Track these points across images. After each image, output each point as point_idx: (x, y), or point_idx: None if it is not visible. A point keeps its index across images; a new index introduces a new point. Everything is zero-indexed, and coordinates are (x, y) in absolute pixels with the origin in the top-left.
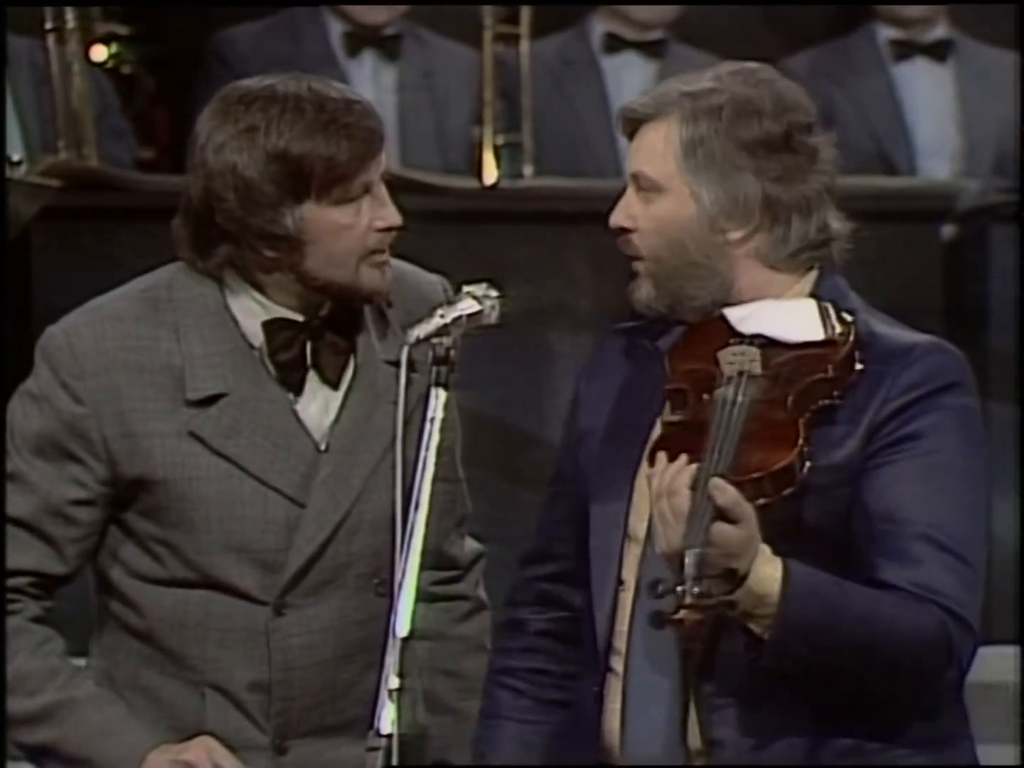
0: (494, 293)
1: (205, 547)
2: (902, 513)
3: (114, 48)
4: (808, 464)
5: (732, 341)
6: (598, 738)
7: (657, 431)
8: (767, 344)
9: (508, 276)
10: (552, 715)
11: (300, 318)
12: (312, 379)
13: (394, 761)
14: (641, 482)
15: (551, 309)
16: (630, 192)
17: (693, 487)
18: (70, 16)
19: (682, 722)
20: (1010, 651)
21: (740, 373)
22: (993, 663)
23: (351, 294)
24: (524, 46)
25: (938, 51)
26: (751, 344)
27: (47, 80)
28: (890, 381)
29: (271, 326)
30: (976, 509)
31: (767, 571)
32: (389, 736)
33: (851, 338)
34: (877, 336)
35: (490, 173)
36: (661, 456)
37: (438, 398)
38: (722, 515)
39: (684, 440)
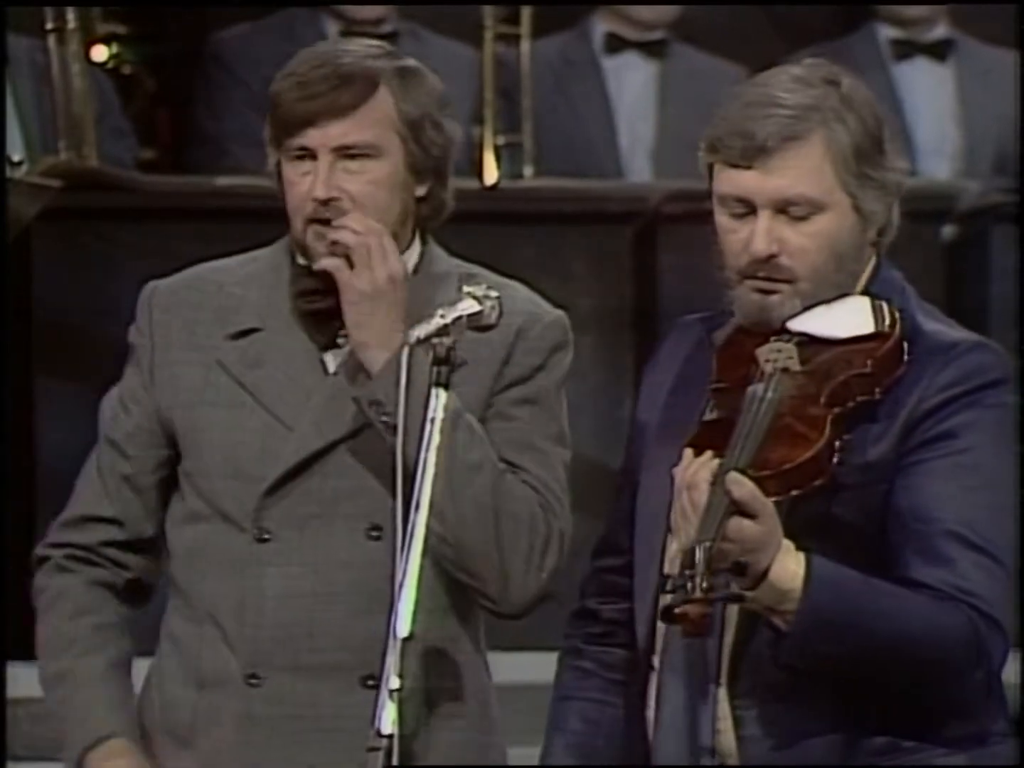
0: (494, 293)
1: (208, 471)
2: (934, 512)
3: (115, 48)
4: (838, 457)
5: (773, 339)
6: (645, 737)
7: (695, 431)
8: (810, 341)
9: (508, 276)
10: (619, 696)
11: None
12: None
13: (394, 761)
14: None
15: None
16: (768, 217)
17: (713, 482)
18: (71, 16)
19: (714, 720)
20: (1010, 653)
21: (774, 371)
22: None
23: (306, 255)
24: (525, 46)
25: (938, 51)
26: (789, 341)
27: (48, 80)
28: (928, 380)
29: (297, 270)
30: (1008, 509)
31: (790, 566)
32: (390, 736)
33: (897, 333)
34: (921, 333)
35: (490, 173)
36: (688, 453)
37: (438, 398)
38: (739, 509)
39: (715, 437)
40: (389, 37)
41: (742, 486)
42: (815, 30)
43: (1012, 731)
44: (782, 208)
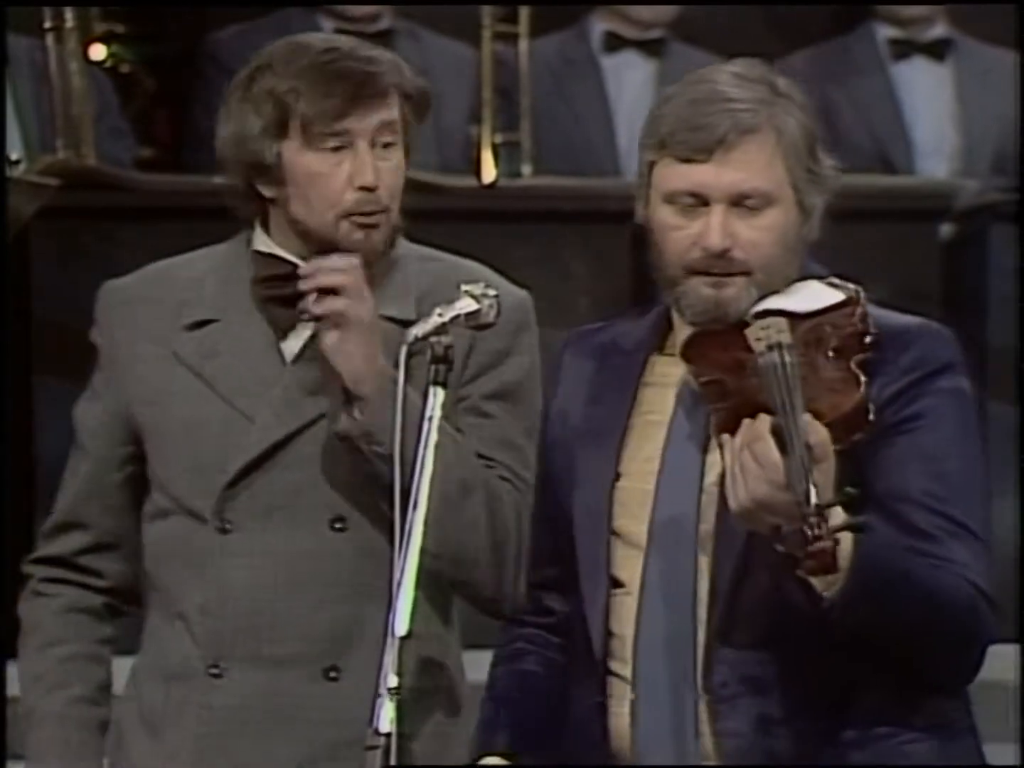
0: (492, 292)
1: (169, 465)
2: (910, 491)
3: (113, 47)
4: (871, 414)
5: (752, 320)
6: (605, 744)
7: (716, 419)
8: (787, 317)
9: (506, 275)
10: (555, 661)
11: (300, 262)
12: (307, 327)
13: (392, 760)
14: (625, 483)
15: (549, 308)
16: (722, 211)
17: (775, 433)
18: (69, 15)
19: (692, 717)
20: (1010, 649)
21: (772, 346)
22: (993, 661)
23: (333, 246)
24: (523, 45)
25: (937, 50)
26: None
27: (46, 79)
28: (888, 365)
29: (259, 257)
30: (981, 486)
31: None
32: (388, 735)
33: (864, 297)
34: (873, 318)
35: (488, 172)
36: (726, 438)
37: (436, 396)
38: (813, 456)
39: (741, 416)
40: (385, 34)
41: (818, 431)
42: (814, 29)
43: (974, 722)
44: (737, 201)
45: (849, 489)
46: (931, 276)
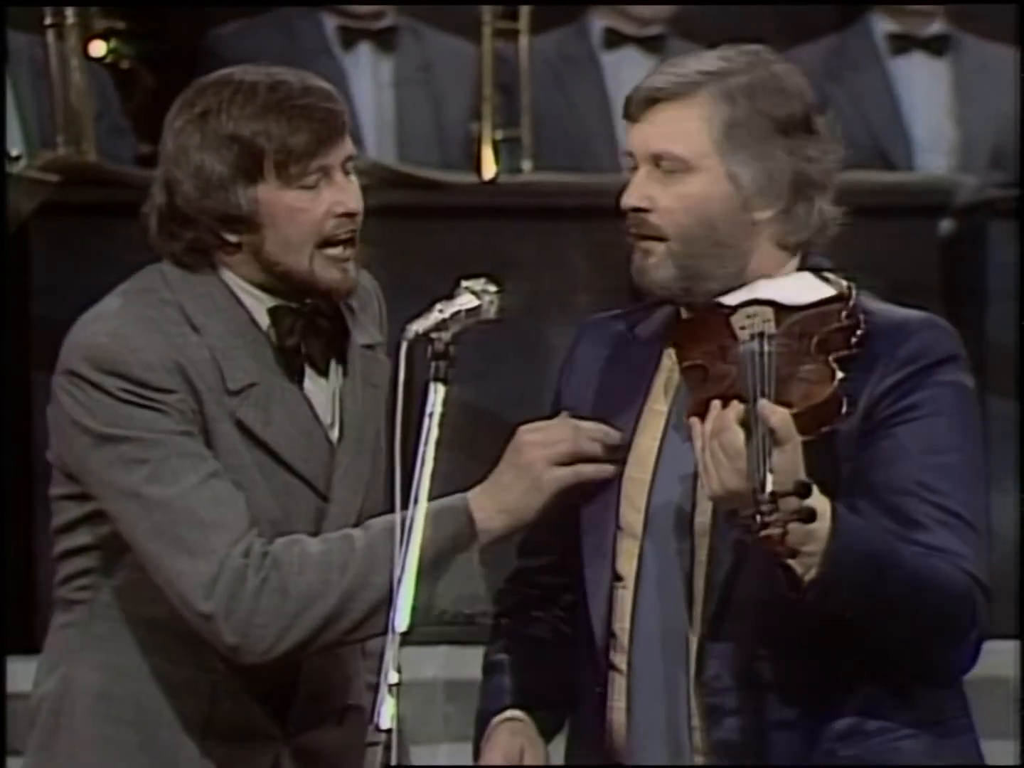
0: (492, 288)
1: None
2: (906, 482)
3: (113, 44)
4: (845, 406)
5: (741, 308)
6: (604, 737)
7: (692, 402)
8: (776, 308)
9: (507, 271)
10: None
11: (293, 305)
12: (308, 369)
13: (393, 756)
14: (631, 473)
15: (550, 304)
16: (644, 172)
17: (743, 423)
18: (69, 12)
19: (686, 711)
20: (1010, 645)
21: (757, 334)
22: (993, 657)
23: (310, 286)
24: (523, 41)
25: (936, 46)
26: (760, 306)
27: (46, 76)
28: (887, 357)
29: (276, 312)
30: (977, 480)
31: (818, 506)
32: (388, 731)
33: (855, 293)
34: (869, 312)
35: (489, 168)
36: (695, 422)
37: (437, 393)
38: (774, 438)
39: (721, 402)
40: (388, 32)
41: (776, 411)
42: (813, 25)
43: (969, 714)
44: (655, 162)
45: (804, 479)
46: (930, 272)
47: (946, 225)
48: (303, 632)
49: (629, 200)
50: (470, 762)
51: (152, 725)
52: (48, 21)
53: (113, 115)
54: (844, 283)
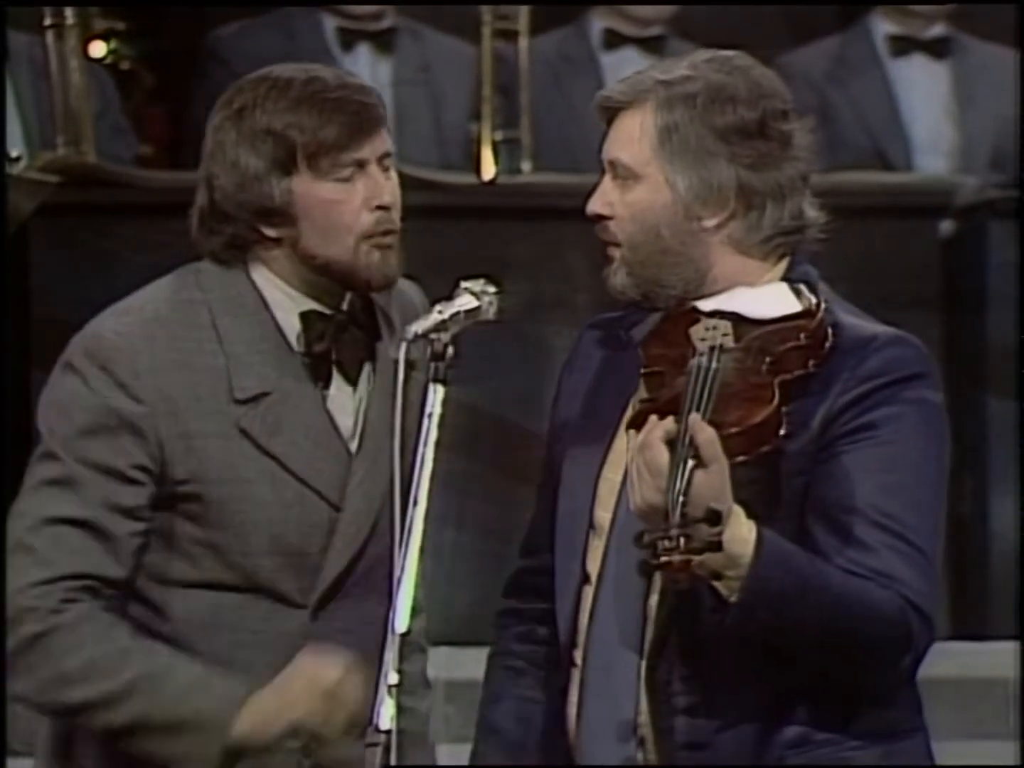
0: (492, 289)
1: (251, 549)
2: (858, 502)
3: (112, 44)
4: (784, 428)
5: (703, 319)
6: (563, 734)
7: (632, 411)
8: (739, 321)
9: (506, 272)
10: (545, 691)
11: (327, 311)
12: (336, 376)
13: (393, 757)
14: (607, 473)
15: (549, 304)
16: (607, 179)
17: (669, 441)
18: (69, 12)
19: (635, 711)
20: (1009, 647)
21: (712, 347)
22: (992, 658)
23: (353, 277)
24: (523, 42)
25: (937, 48)
26: (721, 319)
27: (46, 76)
28: (848, 372)
29: (307, 317)
30: (933, 502)
31: (741, 532)
32: (388, 732)
33: (822, 311)
34: (840, 326)
35: (488, 169)
36: (632, 434)
37: (436, 394)
38: (698, 457)
39: (658, 414)
40: (388, 33)
41: (704, 430)
42: (813, 26)
43: (924, 724)
44: (612, 170)
45: (714, 506)
46: (930, 273)
47: (946, 226)
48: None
49: (591, 206)
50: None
51: None
52: (48, 21)
53: (113, 116)
54: (813, 299)
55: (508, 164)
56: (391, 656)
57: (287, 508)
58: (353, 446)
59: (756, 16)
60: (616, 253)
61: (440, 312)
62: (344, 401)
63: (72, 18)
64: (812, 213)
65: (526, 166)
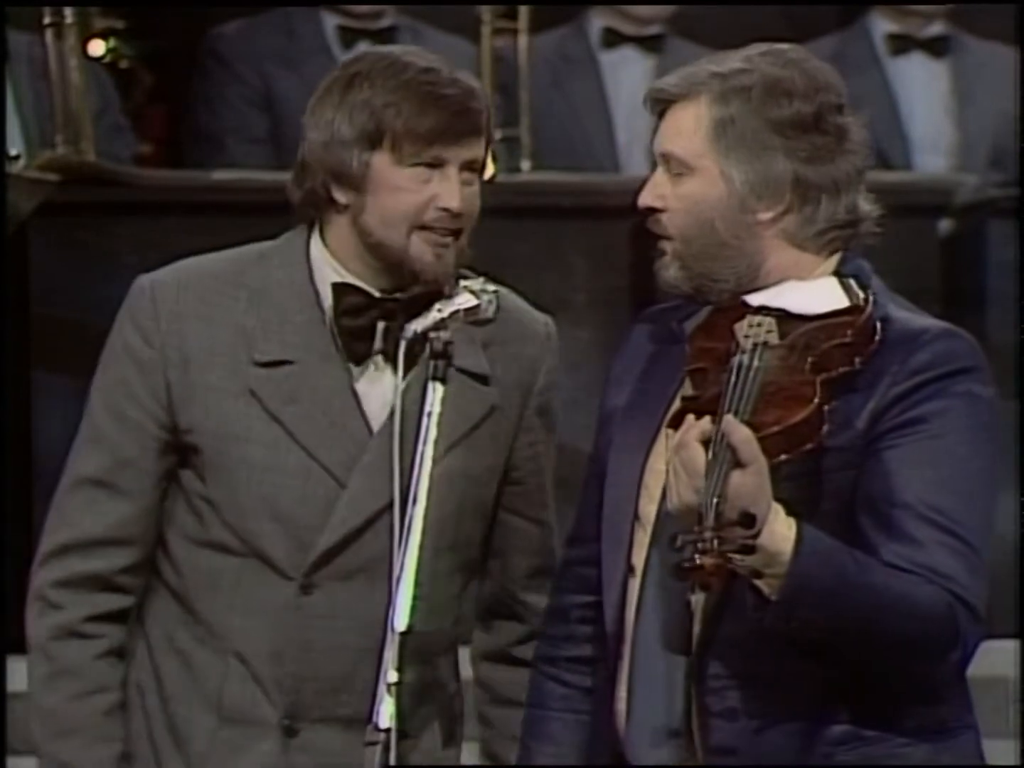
0: (492, 287)
1: (242, 510)
2: (906, 496)
3: (112, 43)
4: (827, 426)
5: (749, 315)
6: (611, 726)
7: (673, 409)
8: (785, 317)
9: (506, 270)
10: (591, 704)
11: (375, 292)
12: (378, 362)
13: (392, 756)
14: (653, 464)
15: (548, 303)
16: (659, 172)
17: (706, 441)
18: (68, 11)
19: (683, 706)
20: (1010, 645)
21: (756, 345)
22: (993, 657)
23: (402, 265)
24: (522, 41)
25: (936, 47)
26: (767, 316)
27: (45, 75)
28: (897, 366)
29: (340, 288)
30: (982, 496)
31: (781, 530)
32: (387, 731)
33: (871, 307)
34: (890, 320)
35: (488, 167)
36: (690, 417)
37: (435, 392)
38: (735, 458)
39: (698, 413)
40: (388, 32)
41: (738, 431)
42: (812, 25)
43: (974, 722)
44: (665, 163)
45: (750, 509)
46: (929, 272)
47: (945, 225)
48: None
49: (642, 199)
50: (470, 762)
51: (171, 700)
52: (47, 20)
53: (112, 114)
54: (861, 295)
55: (508, 163)
56: (391, 655)
57: (287, 476)
58: (376, 429)
59: (756, 15)
60: (668, 247)
61: (439, 310)
62: (383, 387)
63: (71, 17)
64: (866, 207)
65: (525, 165)
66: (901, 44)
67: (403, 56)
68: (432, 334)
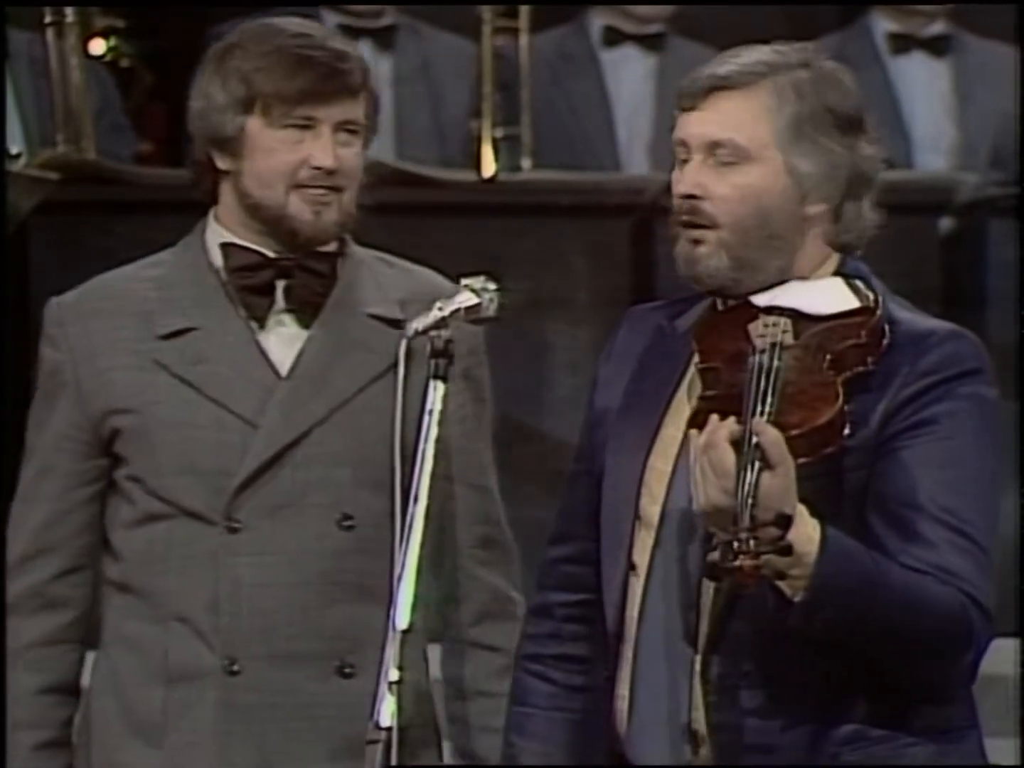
0: (492, 286)
1: (161, 470)
2: (918, 498)
3: (112, 42)
4: (848, 427)
5: (762, 315)
6: (610, 725)
7: (693, 408)
8: (797, 317)
9: (506, 269)
10: (580, 702)
11: (269, 253)
12: (282, 317)
13: (393, 754)
14: (654, 463)
15: (549, 302)
16: (699, 160)
17: (734, 441)
18: (69, 10)
19: (688, 706)
20: (1010, 643)
21: (773, 344)
22: (993, 655)
23: (280, 224)
24: (523, 40)
25: (937, 46)
26: (781, 315)
27: (46, 74)
28: (907, 367)
29: (227, 248)
30: (990, 497)
31: (806, 531)
32: (388, 729)
33: (881, 307)
34: (896, 322)
35: (488, 166)
36: (693, 433)
37: (436, 390)
38: (764, 459)
39: (721, 412)
40: (388, 30)
41: (768, 432)
42: (813, 24)
43: (978, 722)
44: (712, 151)
45: (784, 510)
46: (930, 271)
47: (946, 223)
48: None
49: (683, 187)
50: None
51: (120, 673)
52: (48, 19)
53: (113, 113)
54: (871, 295)
55: (508, 161)
56: (391, 653)
57: (200, 429)
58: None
59: (756, 14)
60: (710, 236)
61: (440, 309)
62: (289, 339)
63: (72, 16)
64: (872, 213)
65: (526, 163)
66: (902, 43)
67: (277, 24)
68: (433, 332)
